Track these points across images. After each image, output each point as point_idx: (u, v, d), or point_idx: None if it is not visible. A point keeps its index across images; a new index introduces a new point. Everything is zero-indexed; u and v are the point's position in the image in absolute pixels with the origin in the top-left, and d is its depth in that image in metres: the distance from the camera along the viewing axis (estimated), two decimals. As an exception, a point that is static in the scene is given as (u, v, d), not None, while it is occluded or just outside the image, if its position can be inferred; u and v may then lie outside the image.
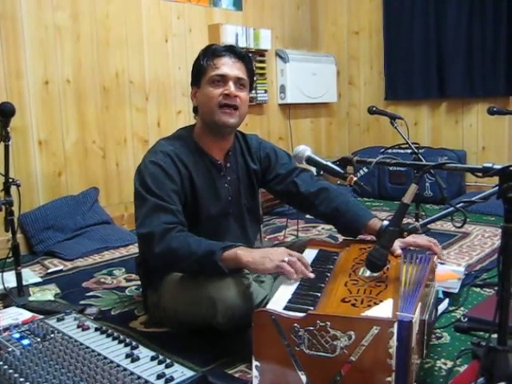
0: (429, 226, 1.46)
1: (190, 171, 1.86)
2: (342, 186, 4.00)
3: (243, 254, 1.64)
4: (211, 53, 1.88)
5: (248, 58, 1.94)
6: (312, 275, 1.57)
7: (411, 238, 1.73)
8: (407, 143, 2.91)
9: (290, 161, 2.08)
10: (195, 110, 1.97)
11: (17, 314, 1.98)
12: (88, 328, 1.51)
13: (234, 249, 1.65)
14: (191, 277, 1.77)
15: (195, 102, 1.94)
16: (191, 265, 1.67)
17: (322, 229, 3.44)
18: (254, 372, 1.33)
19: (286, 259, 1.58)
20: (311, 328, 1.26)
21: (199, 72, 1.89)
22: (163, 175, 1.79)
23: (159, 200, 1.75)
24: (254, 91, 4.28)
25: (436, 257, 1.74)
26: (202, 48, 1.96)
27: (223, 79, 1.84)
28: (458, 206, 1.35)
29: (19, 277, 2.24)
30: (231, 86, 1.83)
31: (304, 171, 2.06)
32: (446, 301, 2.06)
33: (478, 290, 2.26)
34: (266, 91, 4.48)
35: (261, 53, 4.41)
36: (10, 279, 2.29)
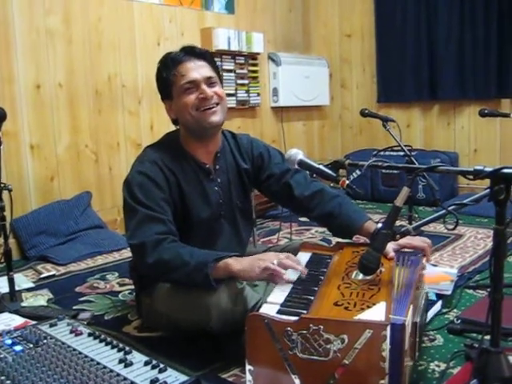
0: (421, 228, 1.47)
1: (177, 177, 1.85)
2: (334, 189, 4.01)
3: (233, 263, 1.63)
4: (171, 62, 1.84)
5: (208, 54, 1.91)
6: (300, 268, 1.57)
7: (405, 240, 1.73)
8: (399, 145, 2.92)
9: (283, 160, 2.05)
10: (175, 122, 1.95)
11: (9, 320, 1.96)
12: (81, 333, 1.50)
13: (225, 259, 1.64)
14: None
15: (173, 114, 1.91)
16: (181, 277, 1.67)
17: (316, 232, 3.45)
18: (248, 376, 1.33)
19: (275, 262, 1.58)
20: (304, 332, 1.26)
21: (167, 85, 1.86)
22: (151, 184, 1.78)
23: (149, 210, 1.74)
24: (246, 94, 4.28)
25: (425, 259, 1.75)
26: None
27: (194, 84, 1.81)
28: (450, 208, 1.35)
29: (11, 282, 2.22)
30: (205, 89, 1.81)
31: (298, 172, 2.03)
32: (439, 303, 2.07)
33: (470, 291, 2.27)
34: (258, 94, 4.48)
35: (253, 56, 4.41)
36: (2, 284, 2.28)
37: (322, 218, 1.99)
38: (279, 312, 1.36)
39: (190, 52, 1.85)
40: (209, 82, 1.83)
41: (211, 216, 1.92)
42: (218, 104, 1.84)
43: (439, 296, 2.13)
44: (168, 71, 1.84)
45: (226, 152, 2.00)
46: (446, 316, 2.01)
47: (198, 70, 1.82)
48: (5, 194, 2.15)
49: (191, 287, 1.70)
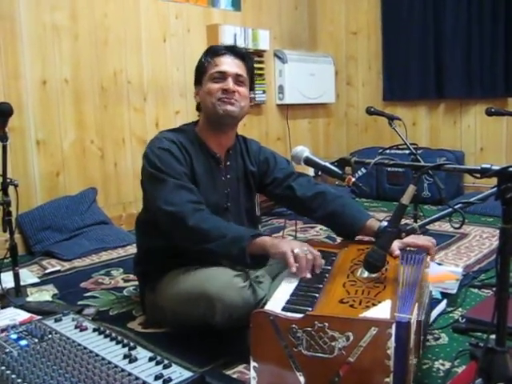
0: (427, 226, 1.46)
1: (191, 159, 1.90)
2: (340, 187, 4.00)
3: (269, 240, 1.67)
4: (212, 52, 1.94)
5: (248, 56, 1.99)
6: (305, 275, 1.56)
7: (410, 239, 1.72)
8: (405, 144, 2.91)
9: (289, 166, 2.11)
10: (198, 107, 2.00)
11: (14, 315, 1.97)
12: (86, 329, 1.51)
13: (262, 236, 1.69)
14: (190, 275, 1.78)
15: (198, 99, 1.98)
16: (218, 248, 1.68)
17: (320, 229, 3.44)
18: (252, 373, 1.32)
19: (296, 250, 1.58)
20: (309, 329, 1.26)
21: (201, 71, 1.94)
22: (172, 159, 1.83)
23: (176, 180, 1.79)
24: (252, 92, 4.27)
25: (429, 257, 1.74)
26: (200, 48, 2.00)
27: (222, 76, 1.88)
28: (456, 206, 1.35)
29: (17, 277, 2.23)
30: (230, 82, 1.88)
31: (302, 176, 2.07)
32: (444, 302, 2.07)
33: (476, 290, 2.27)
34: (264, 91, 4.48)
35: (259, 53, 4.40)
36: (7, 280, 2.28)
37: (325, 217, 2.00)
38: (284, 309, 1.36)
39: (231, 49, 1.94)
40: (237, 79, 1.90)
41: (217, 204, 1.94)
42: (237, 101, 1.90)
43: (444, 295, 2.13)
44: (206, 58, 1.93)
45: (237, 152, 2.06)
46: (450, 315, 2.01)
47: (231, 65, 1.90)
48: (11, 189, 2.15)
49: (197, 280, 1.72)
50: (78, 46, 3.34)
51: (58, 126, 3.28)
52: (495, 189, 1.24)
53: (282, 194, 2.06)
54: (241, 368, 1.63)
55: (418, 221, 2.97)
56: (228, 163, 2.00)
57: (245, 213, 2.06)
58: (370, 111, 3.16)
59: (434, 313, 1.96)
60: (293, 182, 2.04)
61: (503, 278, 1.27)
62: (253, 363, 1.32)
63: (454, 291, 2.16)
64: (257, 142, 2.17)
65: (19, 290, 2.24)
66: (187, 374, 1.25)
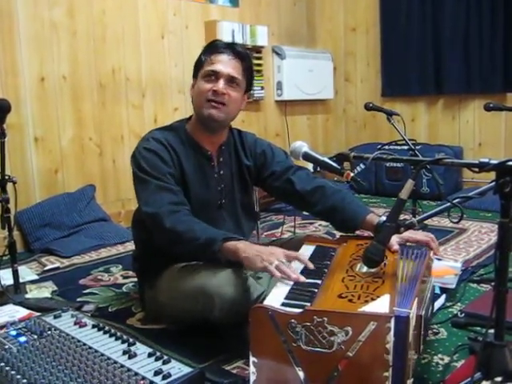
0: (426, 222, 1.46)
1: (180, 159, 1.88)
2: (339, 182, 4.01)
3: (242, 248, 1.63)
4: (212, 48, 1.91)
5: (247, 57, 1.95)
6: (303, 279, 1.51)
7: (409, 234, 1.72)
8: (404, 139, 2.91)
9: (287, 159, 2.08)
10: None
11: (13, 312, 1.97)
12: (85, 325, 1.51)
13: (235, 242, 1.66)
14: (189, 270, 1.78)
15: (192, 92, 1.96)
16: (191, 250, 1.70)
17: (320, 225, 3.45)
18: (252, 368, 1.32)
19: (276, 263, 1.54)
20: (308, 324, 1.26)
21: (198, 65, 1.93)
22: (158, 159, 1.83)
23: (159, 181, 1.79)
24: (249, 92, 4.27)
25: (432, 252, 1.74)
26: (198, 45, 1.98)
27: (215, 75, 1.86)
28: (454, 201, 1.35)
29: (16, 274, 2.23)
30: (220, 83, 1.84)
31: (300, 169, 2.05)
32: (443, 296, 2.07)
33: (474, 285, 2.27)
34: (262, 88, 4.47)
35: (257, 49, 4.40)
36: (6, 277, 2.28)
37: (325, 212, 1.99)
38: (283, 304, 1.35)
39: (231, 48, 1.91)
40: (230, 81, 1.87)
41: (210, 201, 1.94)
42: (224, 104, 1.86)
43: (443, 290, 2.13)
44: (205, 53, 1.92)
45: (231, 147, 2.03)
46: (449, 310, 2.01)
47: (227, 65, 1.87)
48: (9, 186, 2.15)
49: (196, 275, 1.73)
50: (75, 43, 3.33)
51: (56, 122, 3.28)
52: (493, 183, 1.24)
53: (281, 188, 2.04)
54: (240, 363, 1.63)
55: (417, 216, 2.98)
56: (221, 159, 1.98)
57: (241, 208, 2.04)
58: (368, 107, 3.15)
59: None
60: (292, 175, 2.02)
61: (502, 272, 1.27)
62: (252, 358, 1.32)
63: (453, 286, 2.16)
64: (252, 135, 2.14)
65: (18, 287, 2.24)
66: (187, 369, 1.26)
